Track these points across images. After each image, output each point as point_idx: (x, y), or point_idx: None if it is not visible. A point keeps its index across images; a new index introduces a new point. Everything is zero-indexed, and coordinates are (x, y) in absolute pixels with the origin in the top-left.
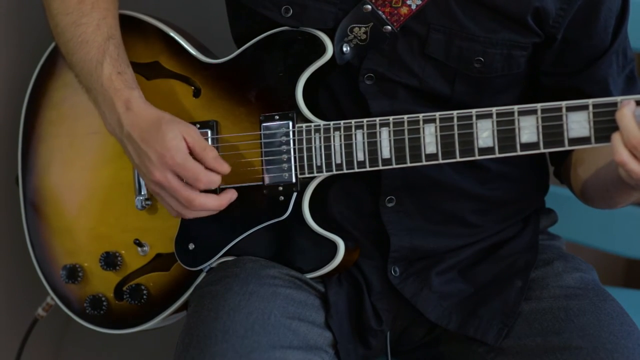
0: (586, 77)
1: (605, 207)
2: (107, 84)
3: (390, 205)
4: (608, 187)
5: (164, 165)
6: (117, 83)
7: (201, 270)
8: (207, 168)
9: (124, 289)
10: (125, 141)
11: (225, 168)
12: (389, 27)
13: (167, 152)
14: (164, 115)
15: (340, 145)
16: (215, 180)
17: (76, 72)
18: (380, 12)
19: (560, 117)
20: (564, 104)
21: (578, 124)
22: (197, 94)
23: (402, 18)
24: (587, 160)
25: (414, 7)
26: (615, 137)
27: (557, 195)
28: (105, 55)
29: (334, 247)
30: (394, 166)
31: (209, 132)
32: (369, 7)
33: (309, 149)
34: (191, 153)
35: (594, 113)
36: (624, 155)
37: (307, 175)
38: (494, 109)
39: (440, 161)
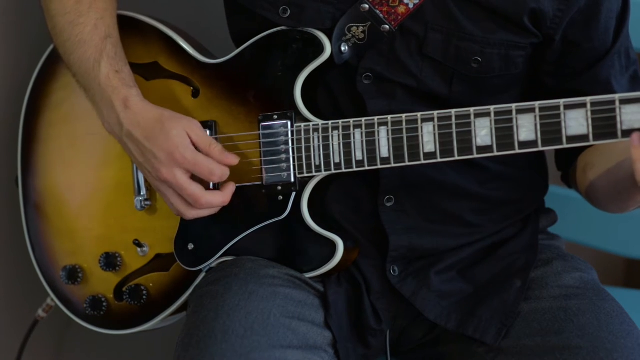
0: (589, 78)
1: (617, 211)
2: (105, 82)
3: (389, 204)
4: (620, 188)
5: (173, 162)
6: (114, 81)
7: (201, 271)
8: None
9: (124, 289)
10: (125, 140)
11: (233, 159)
12: (387, 27)
13: (176, 149)
14: (164, 112)
15: (339, 144)
16: (227, 173)
17: (74, 72)
18: (377, 12)
19: (558, 115)
20: (562, 101)
21: (576, 121)
22: (196, 94)
23: (399, 17)
24: (598, 164)
25: (411, 6)
26: (635, 135)
27: (557, 195)
28: (103, 54)
29: (333, 246)
30: (393, 165)
31: (208, 132)
32: (367, 6)
33: (308, 149)
34: (196, 149)
35: (592, 111)
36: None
37: (305, 175)
38: (492, 108)
39: (439, 160)
